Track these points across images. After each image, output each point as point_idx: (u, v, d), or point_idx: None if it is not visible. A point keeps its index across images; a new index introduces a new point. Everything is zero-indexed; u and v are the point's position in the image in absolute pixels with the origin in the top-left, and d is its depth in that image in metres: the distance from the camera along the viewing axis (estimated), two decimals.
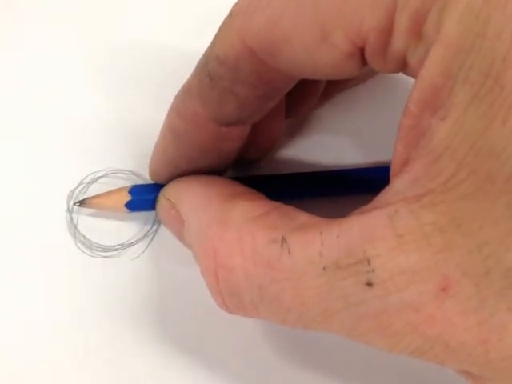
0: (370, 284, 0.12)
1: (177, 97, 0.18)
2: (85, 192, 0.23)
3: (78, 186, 0.23)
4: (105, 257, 0.23)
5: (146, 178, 0.23)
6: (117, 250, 0.23)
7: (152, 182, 0.21)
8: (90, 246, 0.23)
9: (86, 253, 0.23)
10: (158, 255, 0.23)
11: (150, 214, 0.23)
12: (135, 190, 0.21)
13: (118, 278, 0.22)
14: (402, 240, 0.12)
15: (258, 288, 0.14)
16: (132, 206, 0.21)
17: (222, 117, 0.17)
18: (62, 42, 0.26)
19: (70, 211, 0.23)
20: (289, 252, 0.14)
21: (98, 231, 0.23)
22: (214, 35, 0.16)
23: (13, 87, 0.25)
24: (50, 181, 0.23)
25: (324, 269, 0.13)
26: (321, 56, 0.14)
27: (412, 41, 0.13)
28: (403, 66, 0.14)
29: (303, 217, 0.15)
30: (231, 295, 0.15)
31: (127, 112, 0.24)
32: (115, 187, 0.23)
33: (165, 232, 0.23)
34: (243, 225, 0.15)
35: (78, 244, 0.23)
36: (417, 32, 0.12)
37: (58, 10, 0.26)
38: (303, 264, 0.13)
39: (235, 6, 0.15)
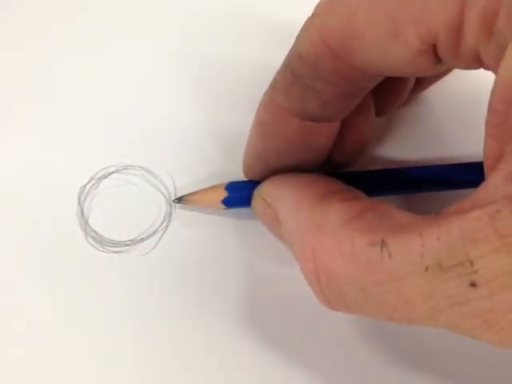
0: (473, 285, 0.12)
1: (265, 92, 0.18)
2: (96, 187, 0.23)
3: (89, 182, 0.23)
4: (115, 252, 0.23)
5: (156, 174, 0.24)
6: (127, 245, 0.23)
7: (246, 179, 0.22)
8: (100, 241, 0.23)
9: (96, 248, 0.23)
10: (168, 251, 0.23)
11: (161, 211, 0.23)
12: (231, 187, 0.22)
13: (128, 274, 0.22)
14: (505, 240, 0.12)
15: (361, 289, 0.15)
16: (229, 203, 0.22)
17: (306, 112, 0.17)
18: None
19: (81, 206, 0.23)
20: (389, 255, 0.14)
21: (108, 226, 0.23)
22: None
23: (25, 85, 0.25)
24: (62, 176, 0.24)
25: (426, 270, 0.13)
26: (394, 53, 0.14)
27: (483, 37, 0.13)
28: (477, 62, 0.14)
29: (399, 216, 0.15)
30: (334, 295, 0.16)
31: (140, 109, 0.25)
32: (127, 183, 0.23)
33: (175, 228, 0.23)
34: (340, 228, 0.15)
35: (89, 239, 0.23)
36: (488, 28, 0.13)
37: None
38: (405, 266, 0.13)
39: (316, 6, 0.16)
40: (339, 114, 0.18)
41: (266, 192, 0.20)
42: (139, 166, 0.24)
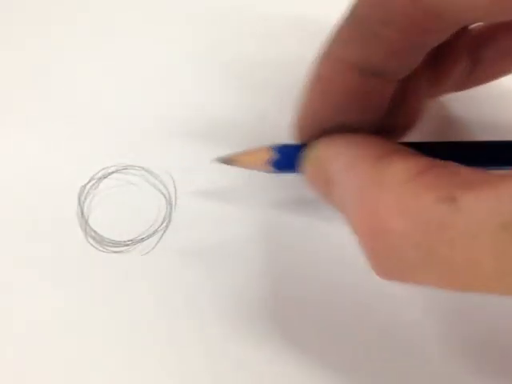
0: None
1: (324, 43, 0.17)
2: (96, 187, 0.23)
3: (89, 182, 0.23)
4: (115, 252, 0.23)
5: (156, 174, 0.24)
6: (127, 245, 0.23)
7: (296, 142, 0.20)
8: (100, 241, 0.23)
9: (96, 248, 0.23)
10: (168, 251, 0.23)
11: (161, 211, 0.23)
12: (280, 149, 0.20)
13: (128, 274, 0.22)
14: None
15: (424, 250, 0.13)
16: (277, 165, 0.20)
17: (367, 63, 0.16)
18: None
19: (81, 206, 0.23)
20: (460, 210, 0.13)
21: (108, 226, 0.23)
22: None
23: (25, 85, 0.25)
24: (62, 176, 0.24)
25: (502, 227, 0.12)
26: None
27: None
28: None
29: (469, 172, 0.14)
30: (391, 258, 0.14)
31: (140, 109, 0.25)
32: (127, 183, 0.23)
33: (175, 228, 0.23)
34: (403, 184, 0.14)
35: (89, 239, 0.23)
36: None
37: None
38: (477, 222, 0.12)
39: None
40: (401, 70, 0.17)
41: (319, 151, 0.18)
42: (139, 166, 0.24)
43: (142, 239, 0.23)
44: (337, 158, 0.17)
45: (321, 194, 0.19)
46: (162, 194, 0.23)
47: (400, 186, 0.14)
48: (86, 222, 0.23)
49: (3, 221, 0.23)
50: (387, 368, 0.21)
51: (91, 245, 0.23)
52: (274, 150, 0.20)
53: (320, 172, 0.18)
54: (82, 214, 0.23)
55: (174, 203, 0.23)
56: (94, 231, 0.23)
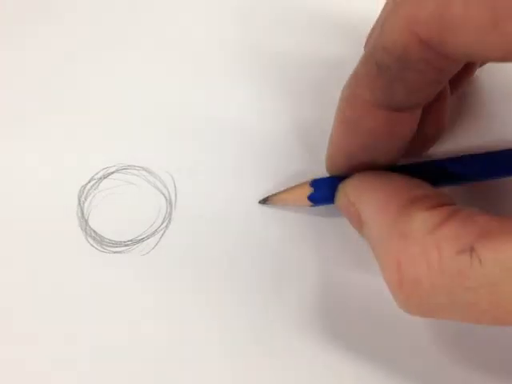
0: None
1: (346, 87, 0.18)
2: (96, 187, 0.23)
3: (89, 182, 0.23)
4: (115, 252, 0.23)
5: (156, 174, 0.24)
6: (127, 245, 0.23)
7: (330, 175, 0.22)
8: (100, 241, 0.23)
9: (96, 248, 0.23)
10: (168, 251, 0.23)
11: (161, 211, 0.23)
12: (316, 184, 0.21)
13: (128, 274, 0.22)
14: None
15: (448, 296, 0.15)
16: (315, 199, 0.21)
17: (392, 103, 0.17)
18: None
19: (81, 206, 0.23)
20: (480, 261, 0.14)
21: (108, 226, 0.23)
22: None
23: (24, 85, 0.25)
24: (62, 176, 0.24)
25: None
26: (491, 42, 0.13)
27: None
28: None
29: (484, 220, 0.15)
30: (419, 304, 0.16)
31: (140, 109, 0.25)
32: (126, 183, 0.23)
33: (175, 228, 0.23)
34: (426, 237, 0.15)
35: (89, 239, 0.23)
36: None
37: None
38: (497, 271, 0.14)
39: None
40: (424, 101, 0.18)
41: (350, 191, 0.20)
42: (139, 166, 0.24)
43: (142, 239, 0.23)
44: (366, 203, 0.18)
45: (354, 227, 0.20)
46: (162, 194, 0.23)
47: (422, 238, 0.15)
48: (86, 222, 0.23)
49: (3, 221, 0.23)
50: None
51: (91, 245, 0.23)
52: (312, 186, 0.21)
53: (352, 211, 0.19)
54: (82, 214, 0.23)
55: (173, 203, 0.23)
56: (94, 231, 0.23)
